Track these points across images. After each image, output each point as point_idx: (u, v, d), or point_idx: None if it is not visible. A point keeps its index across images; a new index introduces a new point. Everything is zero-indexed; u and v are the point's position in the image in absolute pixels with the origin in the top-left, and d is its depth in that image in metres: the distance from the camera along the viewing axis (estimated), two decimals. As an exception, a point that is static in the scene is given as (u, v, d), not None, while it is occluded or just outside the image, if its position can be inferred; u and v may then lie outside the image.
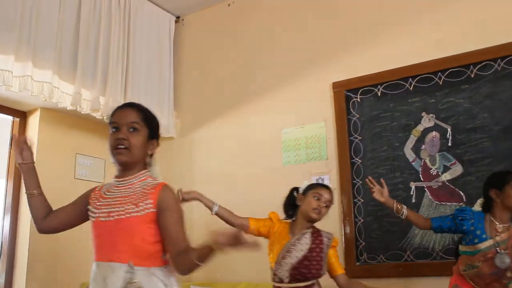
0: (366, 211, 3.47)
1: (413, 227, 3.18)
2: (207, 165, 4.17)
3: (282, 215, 2.87)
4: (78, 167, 3.91)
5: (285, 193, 2.90)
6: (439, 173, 3.29)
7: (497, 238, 2.48)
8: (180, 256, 1.81)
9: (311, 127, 3.77)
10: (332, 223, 3.46)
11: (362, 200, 3.49)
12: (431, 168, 3.33)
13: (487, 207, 2.61)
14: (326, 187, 2.76)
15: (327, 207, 2.68)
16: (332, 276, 2.66)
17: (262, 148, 3.93)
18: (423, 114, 3.41)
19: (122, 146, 1.85)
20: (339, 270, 2.63)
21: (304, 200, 2.69)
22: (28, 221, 3.54)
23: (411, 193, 3.34)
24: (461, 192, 3.20)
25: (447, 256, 3.11)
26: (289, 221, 2.79)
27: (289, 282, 2.55)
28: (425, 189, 3.31)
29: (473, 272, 2.53)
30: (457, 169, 3.24)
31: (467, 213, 2.61)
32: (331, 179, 3.59)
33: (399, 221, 3.17)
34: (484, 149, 3.20)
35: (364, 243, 3.44)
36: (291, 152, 3.81)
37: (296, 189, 2.82)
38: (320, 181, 3.60)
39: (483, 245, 2.49)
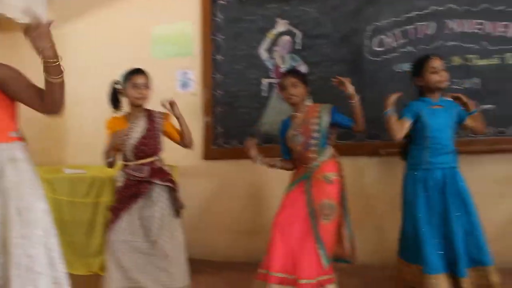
0: (224, 102, 3.93)
1: (264, 117, 3.73)
2: (77, 59, 4.21)
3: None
4: None
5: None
6: (288, 72, 3.79)
7: (297, 120, 2.90)
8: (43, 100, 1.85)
9: (179, 25, 4.03)
10: (194, 112, 3.96)
11: (221, 93, 3.93)
12: (281, 67, 3.81)
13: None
14: (137, 72, 2.93)
15: (147, 87, 2.94)
16: (177, 142, 3.06)
17: (133, 42, 4.10)
18: (278, 19, 3.83)
19: None
20: (179, 137, 3.06)
21: (127, 92, 2.93)
22: None
23: (263, 88, 3.84)
24: (303, 89, 3.77)
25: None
26: (124, 114, 3.03)
27: (135, 160, 2.93)
28: (275, 84, 3.79)
29: (295, 155, 2.94)
30: (302, 69, 3.76)
31: (282, 123, 2.99)
32: (196, 73, 3.97)
33: (251, 111, 3.71)
34: (325, 53, 3.75)
35: (221, 130, 3.94)
36: (160, 47, 4.07)
37: (116, 82, 3.00)
38: (185, 75, 3.98)
39: (289, 133, 2.93)
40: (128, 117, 2.99)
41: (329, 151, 2.88)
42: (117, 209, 2.87)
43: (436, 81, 2.83)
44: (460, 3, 3.56)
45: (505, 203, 3.53)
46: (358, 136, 3.67)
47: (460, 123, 2.92)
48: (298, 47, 3.80)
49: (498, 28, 3.56)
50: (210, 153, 3.96)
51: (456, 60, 3.57)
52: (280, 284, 2.81)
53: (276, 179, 3.59)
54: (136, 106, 2.96)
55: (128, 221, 2.85)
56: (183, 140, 3.02)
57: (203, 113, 3.96)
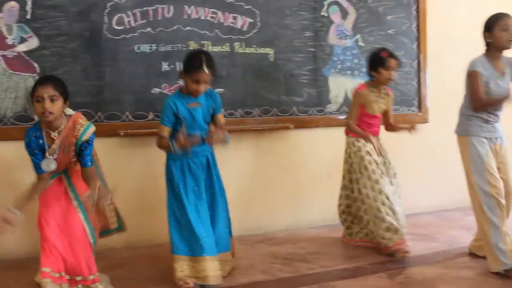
0: None
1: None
2: None
3: None
4: None
5: None
6: (16, 44, 3.41)
7: (53, 146, 2.64)
8: None
9: None
10: None
11: None
12: (8, 38, 3.40)
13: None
14: None
15: None
16: None
17: None
18: (1, -19, 3.39)
19: None
20: None
21: None
22: None
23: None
24: (35, 64, 3.45)
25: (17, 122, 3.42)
26: None
27: None
28: (0, 57, 3.39)
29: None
30: (33, 42, 3.45)
31: (29, 135, 2.64)
32: None
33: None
34: (60, 27, 3.50)
35: None
36: None
37: None
38: None
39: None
40: None
41: None
42: None
43: (194, 89, 2.82)
44: (196, -10, 3.78)
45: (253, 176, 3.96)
46: (96, 116, 3.62)
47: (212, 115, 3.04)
48: (28, 16, 3.44)
49: (228, 19, 3.89)
50: None
51: (192, 45, 3.81)
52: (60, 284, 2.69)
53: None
54: None
55: None
56: None
57: None
